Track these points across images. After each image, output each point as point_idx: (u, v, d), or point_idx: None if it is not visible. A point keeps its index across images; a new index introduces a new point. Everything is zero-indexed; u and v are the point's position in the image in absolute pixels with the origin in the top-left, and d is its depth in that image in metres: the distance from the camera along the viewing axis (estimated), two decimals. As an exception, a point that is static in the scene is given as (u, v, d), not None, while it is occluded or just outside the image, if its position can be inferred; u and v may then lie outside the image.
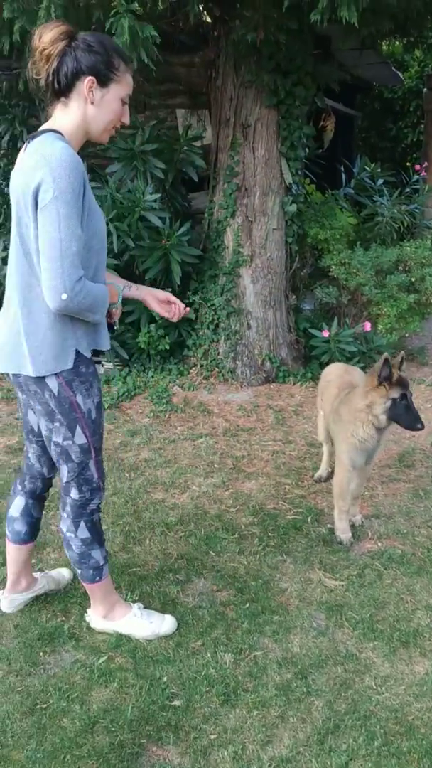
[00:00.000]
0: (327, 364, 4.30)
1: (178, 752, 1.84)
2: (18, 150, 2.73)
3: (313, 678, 2.09)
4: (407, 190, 6.03)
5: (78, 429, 1.95)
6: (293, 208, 4.72)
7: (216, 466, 3.56)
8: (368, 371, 2.68)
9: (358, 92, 8.84)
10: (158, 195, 4.43)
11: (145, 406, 4.30)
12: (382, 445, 2.78)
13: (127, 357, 4.66)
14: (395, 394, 2.50)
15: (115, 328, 2.09)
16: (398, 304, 4.64)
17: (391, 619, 2.35)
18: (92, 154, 4.91)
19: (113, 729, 1.90)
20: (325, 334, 4.63)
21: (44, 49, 1.75)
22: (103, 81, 1.79)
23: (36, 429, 2.12)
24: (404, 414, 2.51)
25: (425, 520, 3.02)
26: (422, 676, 2.11)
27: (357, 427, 2.61)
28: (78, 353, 1.88)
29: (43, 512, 2.91)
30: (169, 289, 4.47)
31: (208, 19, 4.62)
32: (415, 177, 6.31)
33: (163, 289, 4.44)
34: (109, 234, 4.30)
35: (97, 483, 2.07)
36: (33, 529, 2.29)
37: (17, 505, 2.26)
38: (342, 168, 6.16)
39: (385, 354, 2.51)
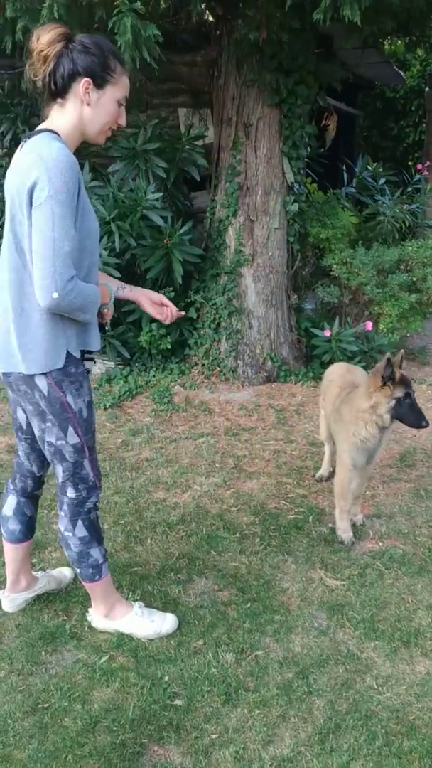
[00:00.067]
0: (328, 363, 4.31)
1: (180, 752, 1.84)
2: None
3: (314, 677, 2.10)
4: (409, 189, 6.02)
5: (70, 429, 1.96)
6: (295, 207, 4.71)
7: (217, 465, 3.56)
8: (370, 372, 2.69)
9: (360, 91, 8.84)
10: (160, 194, 4.43)
11: (146, 406, 4.31)
12: (383, 445, 2.79)
13: (128, 356, 4.66)
14: (399, 393, 2.50)
15: (107, 328, 2.09)
16: (400, 304, 4.64)
17: (393, 619, 2.36)
18: (94, 152, 4.92)
19: (115, 728, 1.90)
20: (327, 333, 4.63)
21: (41, 51, 1.77)
22: (100, 83, 1.81)
23: (24, 426, 2.12)
24: (408, 412, 2.52)
25: (426, 519, 3.02)
26: (423, 675, 2.11)
27: (359, 427, 2.61)
28: (68, 353, 1.88)
29: (45, 511, 2.92)
30: (171, 288, 4.48)
31: (211, 18, 4.62)
32: (417, 176, 6.31)
33: (164, 288, 4.49)
34: (110, 233, 4.31)
35: (93, 481, 2.07)
36: (27, 528, 2.29)
37: (10, 504, 2.27)
38: (344, 167, 6.15)
39: (388, 354, 2.51)
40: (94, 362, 2.07)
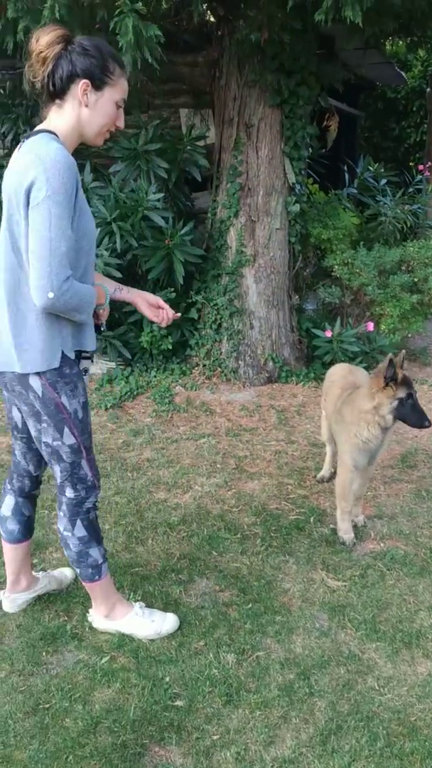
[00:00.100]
0: (330, 364, 4.31)
1: (181, 753, 1.84)
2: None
3: (315, 679, 2.09)
4: (410, 190, 6.02)
5: (66, 429, 1.96)
6: (296, 207, 4.71)
7: (218, 466, 3.56)
8: (372, 373, 2.68)
9: (361, 92, 8.83)
10: (161, 194, 4.43)
11: (147, 406, 4.30)
12: (385, 446, 2.78)
13: (129, 356, 4.66)
14: (402, 393, 2.51)
15: (102, 329, 2.09)
16: (401, 305, 4.63)
17: (394, 620, 2.35)
18: (95, 153, 4.91)
19: (116, 729, 1.90)
20: (328, 334, 4.63)
21: (41, 52, 1.78)
22: (98, 84, 1.81)
23: (20, 426, 2.12)
24: (411, 413, 2.52)
25: (428, 520, 3.01)
26: (425, 677, 2.11)
27: (361, 428, 2.61)
28: (63, 354, 1.88)
29: (46, 512, 2.92)
30: (172, 289, 4.48)
31: (212, 19, 4.62)
32: (419, 177, 6.30)
33: (165, 288, 4.49)
34: (112, 233, 4.31)
35: (91, 481, 2.07)
36: (26, 528, 2.29)
37: (8, 504, 2.26)
38: (345, 168, 6.15)
39: (390, 354, 2.51)
40: (92, 361, 2.07)
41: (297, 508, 3.12)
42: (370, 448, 2.68)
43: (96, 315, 2.01)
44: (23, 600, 2.37)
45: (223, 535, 2.87)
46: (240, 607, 2.41)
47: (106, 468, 3.49)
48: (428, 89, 8.52)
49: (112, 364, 4.70)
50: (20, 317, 1.83)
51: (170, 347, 4.61)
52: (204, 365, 4.73)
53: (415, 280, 4.75)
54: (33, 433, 2.02)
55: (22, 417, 2.07)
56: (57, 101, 1.83)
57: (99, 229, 4.31)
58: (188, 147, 4.68)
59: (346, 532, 2.81)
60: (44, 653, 2.18)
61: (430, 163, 6.82)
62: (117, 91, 1.86)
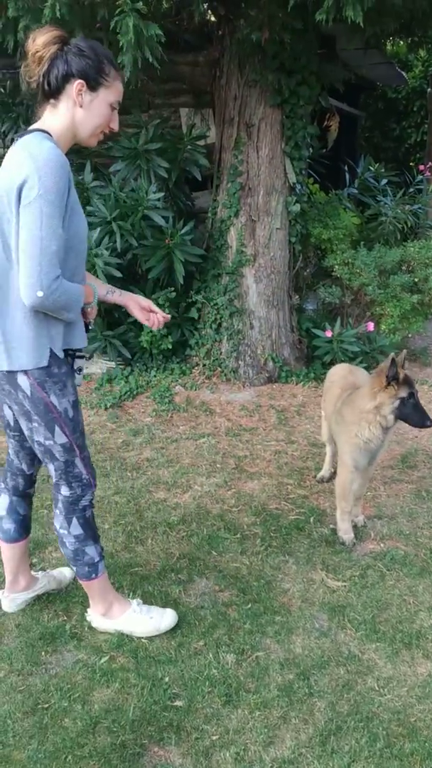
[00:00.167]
0: (330, 364, 4.32)
1: (180, 753, 1.83)
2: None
3: (315, 679, 2.09)
4: (411, 190, 6.01)
5: (57, 429, 1.95)
6: (297, 207, 4.71)
7: (218, 465, 3.56)
8: (373, 372, 2.68)
9: (362, 92, 8.83)
10: (162, 194, 4.42)
11: (147, 406, 4.30)
12: (385, 446, 2.78)
13: (129, 356, 4.66)
14: (403, 393, 2.50)
15: (90, 327, 2.09)
16: (401, 305, 4.63)
17: (394, 621, 2.35)
18: (96, 152, 4.91)
19: (115, 729, 1.89)
20: (328, 334, 4.62)
21: (37, 52, 1.79)
22: (93, 85, 1.82)
23: (12, 423, 2.12)
24: (413, 412, 2.52)
25: (428, 521, 3.01)
26: (425, 677, 2.10)
27: (363, 428, 2.61)
28: (51, 352, 1.88)
29: (46, 511, 2.92)
30: (172, 289, 4.48)
31: (213, 18, 4.62)
32: (419, 177, 6.30)
33: (166, 288, 4.49)
34: (112, 233, 4.31)
35: (86, 479, 2.07)
36: (22, 527, 2.29)
37: (2, 503, 2.26)
38: (346, 168, 6.15)
39: (392, 354, 2.51)
40: (86, 359, 2.07)
41: (297, 508, 3.11)
42: (371, 448, 2.67)
43: (84, 313, 2.01)
44: (22, 600, 2.37)
45: (223, 535, 2.87)
46: (239, 607, 2.40)
47: (106, 467, 3.49)
48: (429, 89, 8.52)
49: (112, 364, 4.70)
50: (9, 315, 1.83)
51: (170, 347, 4.61)
52: (204, 365, 4.72)
53: (416, 280, 4.75)
54: (25, 432, 2.02)
55: (14, 415, 2.07)
56: (52, 101, 1.84)
57: (99, 229, 4.31)
58: (189, 146, 4.68)
59: (346, 533, 2.81)
60: (43, 653, 2.18)
61: (430, 164, 6.82)
62: (112, 92, 1.87)
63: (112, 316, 4.57)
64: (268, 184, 4.60)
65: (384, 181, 5.97)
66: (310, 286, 5.28)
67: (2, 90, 5.16)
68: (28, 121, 4.89)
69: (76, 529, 2.08)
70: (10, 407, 2.06)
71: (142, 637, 2.23)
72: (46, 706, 1.98)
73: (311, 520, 3.01)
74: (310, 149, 5.07)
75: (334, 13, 3.12)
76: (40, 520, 2.91)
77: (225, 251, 4.73)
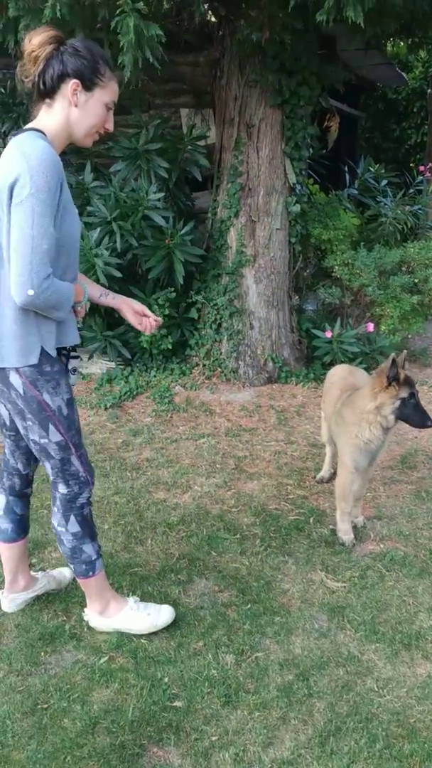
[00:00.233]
0: (329, 364, 4.32)
1: (179, 753, 1.83)
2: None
3: (314, 680, 2.09)
4: (411, 191, 6.01)
5: (51, 427, 1.95)
6: (297, 208, 4.71)
7: (218, 466, 3.56)
8: (373, 373, 2.68)
9: (362, 93, 8.84)
10: (162, 194, 4.42)
11: (147, 406, 4.30)
12: (385, 446, 2.78)
13: (129, 356, 4.66)
14: (404, 393, 2.50)
15: (79, 326, 2.08)
16: (401, 305, 4.63)
17: (393, 621, 2.35)
18: (96, 153, 4.91)
19: (114, 730, 1.89)
20: (328, 334, 4.62)
21: (32, 51, 1.80)
22: (88, 85, 1.83)
23: (8, 423, 2.12)
24: (413, 413, 2.52)
25: (427, 521, 3.01)
26: (424, 678, 2.10)
27: (363, 429, 2.61)
28: (42, 351, 1.88)
29: (45, 511, 2.91)
30: (172, 289, 4.48)
31: (213, 19, 4.62)
32: (419, 178, 6.30)
33: (166, 288, 4.49)
34: (112, 233, 4.31)
35: (83, 477, 2.07)
36: (20, 527, 2.28)
37: None
38: (346, 168, 6.15)
39: (392, 354, 2.51)
40: (80, 359, 2.06)
41: (296, 509, 3.11)
42: (371, 449, 2.67)
43: (74, 312, 2.02)
44: (22, 600, 2.37)
45: (223, 536, 2.87)
46: (239, 608, 2.40)
47: (106, 467, 3.49)
48: (429, 90, 8.52)
49: (112, 364, 4.70)
50: (0, 313, 1.83)
51: (170, 347, 4.61)
52: (204, 365, 4.72)
53: (416, 281, 4.75)
54: (21, 430, 2.02)
55: (9, 414, 2.07)
56: (47, 100, 1.85)
57: (99, 229, 4.31)
58: (189, 147, 4.68)
59: (345, 533, 2.81)
60: (43, 653, 2.18)
61: (430, 164, 6.82)
62: (107, 92, 1.87)
63: (112, 317, 4.57)
64: (268, 184, 4.60)
65: (384, 181, 5.98)
66: (310, 286, 5.28)
67: (2, 90, 5.16)
68: (28, 121, 4.90)
69: (74, 526, 2.08)
70: (5, 406, 2.06)
71: (140, 634, 2.23)
72: (46, 706, 1.98)
73: (311, 520, 3.01)
74: (311, 150, 5.08)
75: (334, 14, 3.12)
76: (40, 520, 2.91)
77: (225, 251, 4.73)
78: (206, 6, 3.81)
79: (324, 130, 5.65)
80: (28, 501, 2.32)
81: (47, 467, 2.05)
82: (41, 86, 1.82)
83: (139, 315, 2.19)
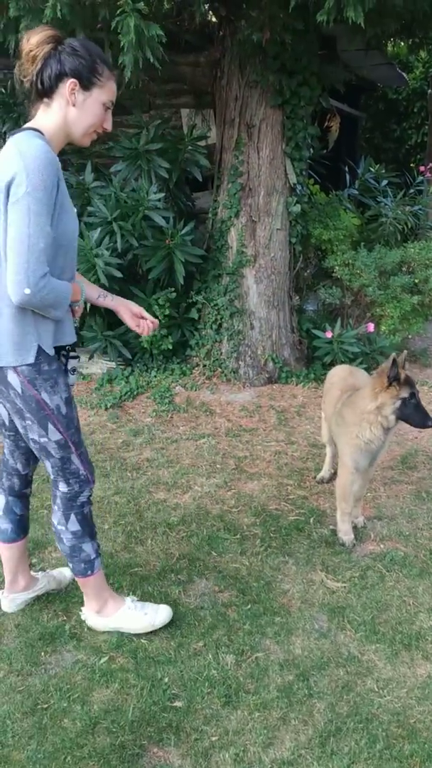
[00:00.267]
0: (330, 365, 4.31)
1: (179, 754, 1.83)
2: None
3: (314, 680, 2.09)
4: (411, 191, 6.01)
5: (50, 426, 1.96)
6: (297, 208, 4.71)
7: (218, 466, 3.56)
8: (373, 373, 2.68)
9: (362, 93, 8.84)
10: (162, 194, 4.43)
11: (147, 406, 4.30)
12: (386, 447, 2.78)
13: (129, 356, 4.66)
14: (405, 393, 2.50)
15: (75, 325, 2.09)
16: (402, 306, 4.63)
17: (394, 622, 2.35)
18: (97, 153, 4.91)
19: (114, 730, 1.89)
20: (328, 334, 4.62)
21: (30, 51, 1.80)
22: (86, 85, 1.83)
23: (8, 423, 2.12)
24: (414, 413, 2.52)
25: (428, 522, 3.01)
26: (424, 679, 2.10)
27: (364, 429, 2.60)
28: (39, 349, 1.88)
29: (46, 511, 2.91)
30: (173, 289, 4.48)
31: (214, 19, 4.62)
32: (419, 178, 6.30)
33: (166, 288, 4.49)
34: (112, 233, 4.31)
35: (84, 475, 2.07)
36: (19, 527, 2.28)
37: None
38: (346, 169, 6.15)
39: (393, 354, 2.51)
40: (80, 359, 2.06)
41: (297, 509, 3.11)
42: (372, 449, 2.67)
43: (71, 311, 2.02)
44: (22, 600, 2.37)
45: (223, 536, 2.87)
46: (239, 608, 2.40)
47: (106, 468, 3.49)
48: (429, 90, 8.53)
49: (112, 364, 4.70)
50: None
51: (170, 347, 4.61)
52: (204, 365, 4.72)
53: (416, 281, 4.75)
54: (20, 430, 2.02)
55: (8, 414, 2.07)
56: (45, 100, 1.85)
57: (100, 229, 4.32)
58: (189, 147, 4.68)
59: (346, 534, 2.81)
60: (43, 653, 2.18)
61: (430, 165, 6.82)
62: (105, 92, 1.87)
63: (112, 317, 4.55)
64: (268, 184, 4.60)
65: (384, 182, 5.98)
66: (310, 286, 5.28)
67: (3, 90, 5.16)
68: (28, 121, 4.90)
69: (74, 525, 2.08)
70: (4, 406, 2.06)
71: (139, 634, 2.23)
72: (46, 706, 1.98)
73: (311, 520, 3.01)
74: (311, 150, 5.08)
75: (335, 14, 3.12)
76: (40, 521, 2.91)
77: (225, 252, 4.73)
78: (207, 6, 3.81)
79: (324, 130, 5.65)
80: (27, 501, 2.32)
81: (47, 466, 2.05)
82: (39, 86, 1.82)
83: (136, 317, 2.19)
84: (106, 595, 2.24)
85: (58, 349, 1.96)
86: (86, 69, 1.81)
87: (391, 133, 9.65)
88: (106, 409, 4.23)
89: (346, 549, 2.78)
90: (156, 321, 2.22)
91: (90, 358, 4.69)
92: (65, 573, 2.51)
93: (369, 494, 3.23)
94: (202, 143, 4.80)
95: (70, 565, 2.16)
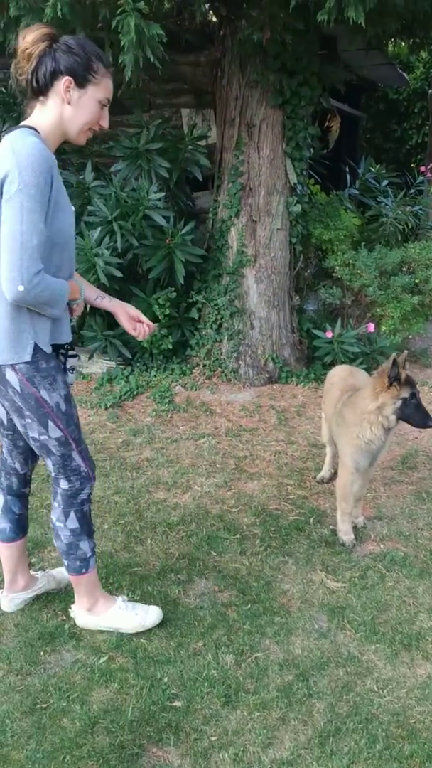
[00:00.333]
0: (330, 365, 4.31)
1: (179, 754, 1.83)
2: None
3: (314, 680, 2.08)
4: (412, 191, 6.01)
5: (50, 423, 1.96)
6: (298, 208, 4.71)
7: (218, 466, 3.55)
8: (374, 373, 2.68)
9: (363, 93, 8.83)
10: (162, 194, 4.42)
11: (147, 406, 4.30)
12: (386, 447, 2.78)
13: (129, 356, 4.65)
14: (405, 393, 2.50)
15: (72, 324, 2.08)
16: (402, 306, 4.63)
17: (393, 622, 2.34)
18: (97, 152, 4.91)
19: (113, 729, 1.89)
20: (329, 335, 4.62)
21: (26, 49, 1.80)
22: (81, 82, 1.83)
23: (6, 422, 2.12)
24: (415, 413, 2.52)
25: (428, 522, 3.00)
26: (424, 679, 2.10)
27: (364, 429, 2.60)
28: (36, 347, 1.87)
29: (45, 510, 2.91)
30: (173, 289, 4.47)
31: (214, 19, 4.62)
32: (420, 178, 6.30)
33: (166, 288, 4.48)
34: (112, 233, 4.31)
35: (85, 472, 2.07)
36: (18, 526, 2.28)
37: None
38: (347, 169, 6.15)
39: (393, 354, 2.51)
40: (78, 358, 2.06)
41: (297, 509, 3.11)
42: (372, 450, 2.67)
43: (70, 310, 2.02)
44: (21, 599, 2.36)
45: (223, 536, 2.87)
46: (239, 608, 2.40)
47: (106, 467, 3.48)
48: (430, 91, 8.52)
49: (112, 364, 4.70)
50: None
51: (170, 347, 4.61)
52: (204, 365, 4.72)
53: (416, 281, 4.75)
54: (20, 428, 2.02)
55: (7, 413, 2.07)
56: (41, 98, 1.85)
57: (100, 228, 4.31)
58: (190, 146, 4.68)
59: (346, 534, 2.81)
60: (42, 653, 2.17)
61: (431, 165, 6.82)
62: (100, 89, 1.86)
63: (112, 316, 4.56)
64: (269, 184, 4.60)
65: (385, 182, 5.97)
66: (310, 286, 5.27)
67: (3, 89, 5.15)
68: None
69: (73, 522, 2.08)
70: (2, 405, 2.06)
71: (138, 633, 2.23)
72: (45, 706, 1.98)
73: (311, 520, 3.01)
74: (311, 150, 5.08)
75: (335, 14, 3.12)
76: (40, 520, 2.91)
77: (226, 251, 4.73)
78: (207, 6, 3.81)
79: (325, 130, 5.65)
80: (26, 500, 2.32)
81: (48, 464, 2.05)
82: (34, 84, 1.82)
83: (133, 320, 2.18)
84: (97, 594, 2.24)
85: (56, 348, 1.96)
86: (81, 66, 1.81)
87: (391, 133, 9.65)
88: (106, 408, 4.23)
89: (346, 549, 2.77)
90: (153, 324, 2.22)
91: (90, 358, 4.68)
92: (65, 572, 2.50)
93: (369, 494, 3.22)
94: (203, 143, 4.79)
95: (66, 562, 2.16)
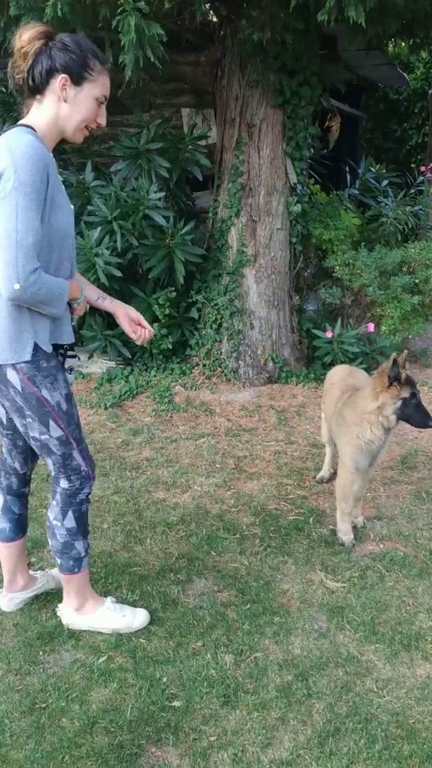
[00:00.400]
0: (330, 365, 4.31)
1: (178, 753, 1.83)
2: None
3: (313, 680, 2.08)
4: (412, 191, 6.01)
5: (51, 423, 1.95)
6: (298, 208, 4.71)
7: (218, 465, 3.55)
8: (374, 373, 2.68)
9: (363, 93, 8.84)
10: (162, 194, 4.42)
11: (147, 405, 4.30)
12: (386, 447, 2.77)
13: (129, 356, 4.65)
14: (405, 393, 2.50)
15: (72, 324, 2.08)
16: (402, 306, 4.63)
17: (393, 622, 2.34)
18: (97, 152, 4.91)
19: (112, 729, 1.89)
20: (329, 334, 4.62)
21: (22, 47, 1.80)
22: (77, 80, 1.82)
23: (5, 422, 2.12)
24: (415, 412, 2.52)
25: (427, 522, 3.00)
26: (424, 679, 2.10)
27: (364, 429, 2.60)
28: (36, 347, 1.87)
29: (44, 510, 2.90)
30: (173, 288, 4.47)
31: (215, 19, 4.62)
32: (420, 178, 6.30)
33: (166, 288, 4.48)
34: (112, 232, 4.31)
35: (85, 471, 2.07)
36: (17, 526, 2.28)
37: None
38: (347, 169, 6.15)
39: (394, 354, 2.51)
40: (78, 358, 2.06)
41: (296, 509, 3.11)
42: (372, 450, 2.67)
43: (71, 309, 2.01)
44: (20, 599, 2.36)
45: (222, 535, 2.86)
46: (238, 608, 2.40)
47: (105, 467, 3.48)
48: (430, 91, 8.52)
49: (112, 363, 4.70)
50: None
51: (170, 347, 4.61)
52: (204, 365, 4.72)
53: (416, 281, 4.75)
54: (20, 428, 2.02)
55: (7, 413, 2.07)
56: (37, 96, 1.84)
57: (100, 228, 4.31)
58: (190, 146, 4.68)
59: (345, 533, 2.80)
60: (41, 652, 2.17)
61: (431, 165, 6.81)
62: (97, 87, 1.86)
63: (112, 316, 4.56)
64: (269, 184, 4.60)
65: (385, 182, 5.97)
66: (310, 286, 5.27)
67: (3, 89, 5.15)
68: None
69: (70, 522, 2.09)
70: (2, 405, 2.05)
71: (137, 633, 2.23)
72: (44, 705, 1.97)
73: (310, 520, 3.00)
74: (311, 150, 5.07)
75: (335, 14, 3.11)
76: (39, 520, 2.91)
77: (226, 251, 4.73)
78: (207, 6, 3.81)
79: (325, 130, 5.65)
80: (26, 500, 2.31)
81: (49, 463, 2.04)
82: (31, 82, 1.82)
83: (134, 323, 2.18)
84: (87, 594, 2.24)
85: (56, 348, 1.96)
86: (77, 64, 1.80)
87: (391, 133, 9.65)
88: (106, 408, 4.23)
89: (346, 549, 2.77)
90: (152, 330, 2.21)
91: (90, 358, 4.68)
92: (64, 572, 2.51)
93: (369, 494, 3.22)
94: (203, 143, 4.79)
95: (59, 561, 2.16)
